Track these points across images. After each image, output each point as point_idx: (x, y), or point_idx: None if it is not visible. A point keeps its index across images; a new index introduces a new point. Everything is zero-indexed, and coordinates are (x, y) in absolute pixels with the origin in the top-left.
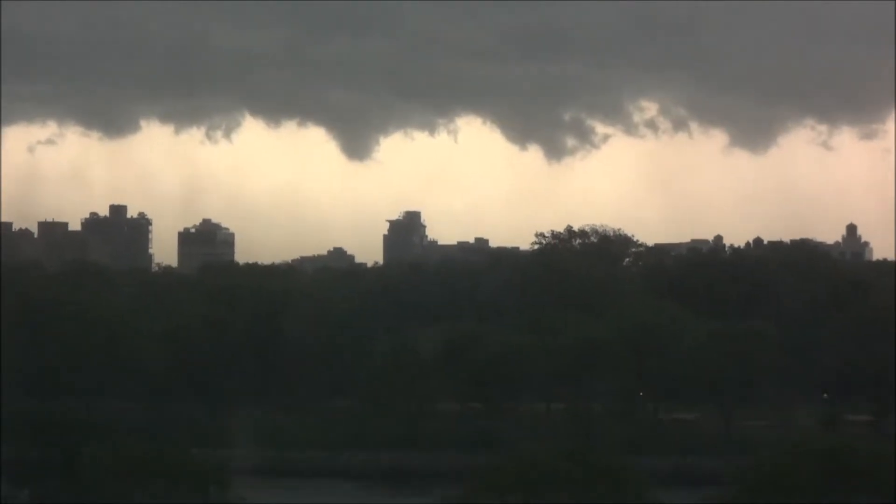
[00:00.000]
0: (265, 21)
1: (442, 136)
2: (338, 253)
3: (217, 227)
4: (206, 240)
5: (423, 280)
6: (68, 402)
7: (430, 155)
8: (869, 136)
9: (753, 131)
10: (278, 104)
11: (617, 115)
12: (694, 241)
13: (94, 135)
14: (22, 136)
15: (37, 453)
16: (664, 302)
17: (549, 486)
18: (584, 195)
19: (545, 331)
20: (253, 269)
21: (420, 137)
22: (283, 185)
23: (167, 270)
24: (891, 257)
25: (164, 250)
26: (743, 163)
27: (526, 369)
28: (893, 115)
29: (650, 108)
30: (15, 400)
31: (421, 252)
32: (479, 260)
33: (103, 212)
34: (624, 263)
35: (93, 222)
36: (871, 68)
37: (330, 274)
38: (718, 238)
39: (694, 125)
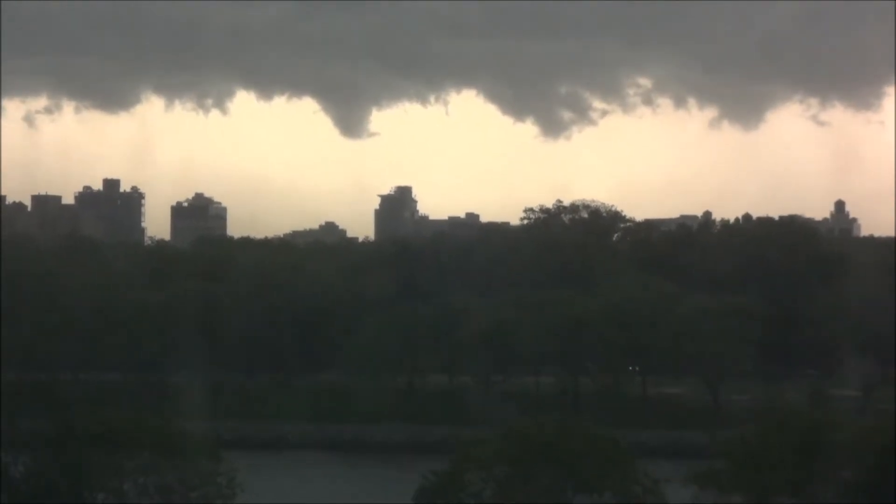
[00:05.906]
0: None
1: (435, 110)
2: (329, 227)
3: (209, 201)
4: (199, 214)
5: (413, 255)
6: (61, 374)
7: (423, 129)
8: (862, 109)
9: (743, 106)
10: (270, 78)
11: (613, 91)
12: (683, 217)
13: (87, 108)
14: (14, 110)
15: (30, 424)
16: (653, 277)
17: (537, 459)
18: (578, 171)
19: (534, 306)
20: (246, 242)
21: (413, 111)
22: (275, 159)
23: (160, 244)
24: (878, 233)
25: (156, 224)
26: (733, 138)
27: (515, 344)
28: (888, 88)
29: (645, 85)
30: (9, 371)
31: (412, 227)
32: (469, 235)
33: (96, 185)
34: (613, 238)
35: (86, 196)
36: (864, 40)
37: (321, 248)
38: (708, 213)
39: (691, 101)
